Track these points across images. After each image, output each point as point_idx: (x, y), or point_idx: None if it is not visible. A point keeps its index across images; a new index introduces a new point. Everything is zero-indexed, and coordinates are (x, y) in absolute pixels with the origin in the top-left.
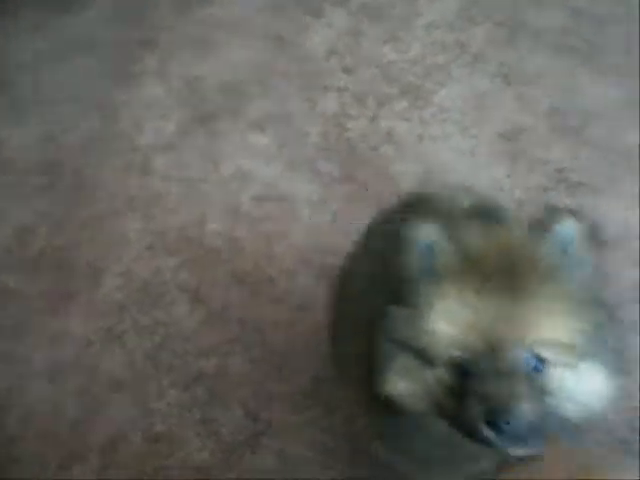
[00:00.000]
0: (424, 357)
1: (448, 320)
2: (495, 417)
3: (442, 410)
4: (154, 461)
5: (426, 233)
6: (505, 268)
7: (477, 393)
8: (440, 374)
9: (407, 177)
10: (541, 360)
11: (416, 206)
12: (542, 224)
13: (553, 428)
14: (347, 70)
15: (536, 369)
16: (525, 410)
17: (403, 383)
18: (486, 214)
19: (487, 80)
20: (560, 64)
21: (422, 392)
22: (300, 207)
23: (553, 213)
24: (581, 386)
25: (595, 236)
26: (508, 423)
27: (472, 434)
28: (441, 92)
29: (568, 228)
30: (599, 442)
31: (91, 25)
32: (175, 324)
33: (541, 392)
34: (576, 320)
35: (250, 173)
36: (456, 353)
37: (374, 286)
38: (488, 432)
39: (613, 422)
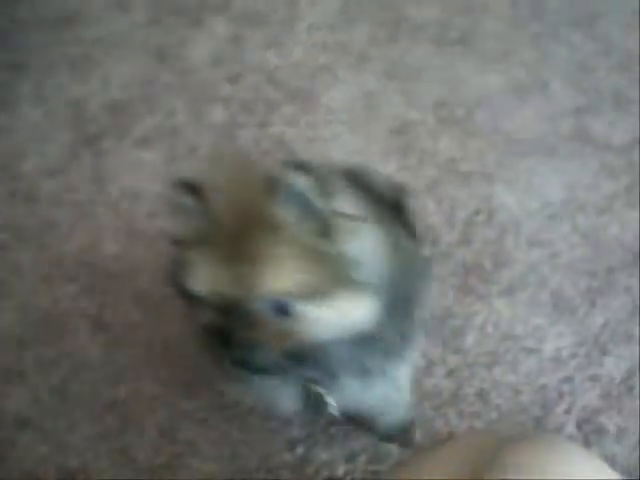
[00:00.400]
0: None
1: (197, 280)
2: (240, 362)
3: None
4: None
5: (184, 197)
6: (240, 229)
7: (229, 340)
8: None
9: None
10: (285, 305)
11: None
12: (276, 180)
13: (321, 355)
14: (232, 78)
15: (282, 314)
16: (265, 351)
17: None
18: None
19: (373, 78)
20: (441, 57)
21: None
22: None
23: (285, 168)
24: (336, 315)
25: (328, 186)
26: (254, 364)
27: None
28: (328, 94)
29: (299, 181)
30: (514, 422)
31: None
32: (80, 353)
33: (291, 331)
34: (312, 264)
35: (141, 191)
36: (211, 306)
37: None
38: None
39: (526, 401)
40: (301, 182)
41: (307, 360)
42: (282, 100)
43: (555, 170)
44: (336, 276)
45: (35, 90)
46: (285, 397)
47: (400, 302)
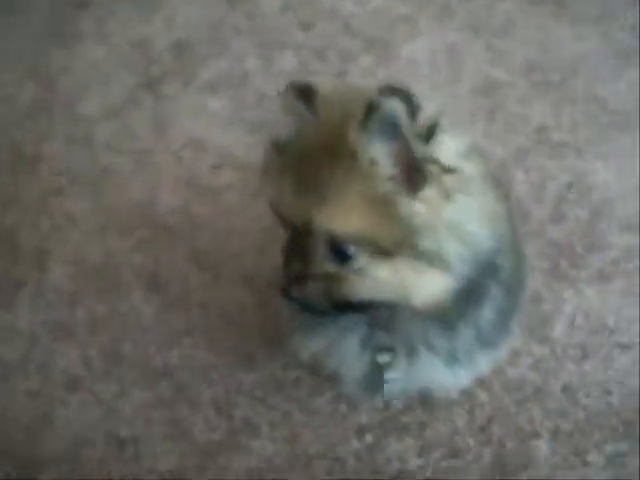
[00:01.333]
0: None
1: (271, 189)
2: (284, 287)
3: None
4: (121, 467)
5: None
6: (318, 151)
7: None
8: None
9: None
10: (342, 248)
11: None
12: (372, 105)
13: (363, 308)
14: (305, 25)
15: (338, 256)
16: (309, 288)
17: None
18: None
19: (456, 32)
20: (532, 15)
21: None
22: None
23: (381, 94)
24: (394, 279)
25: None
26: (295, 295)
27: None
28: (408, 46)
29: (391, 110)
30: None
31: None
32: (132, 313)
33: (344, 278)
34: (379, 217)
35: (205, 140)
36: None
37: None
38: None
39: (616, 403)
40: (397, 113)
41: (384, 324)
42: (358, 50)
43: None
44: (402, 240)
45: (96, 28)
46: (349, 359)
47: (503, 286)
